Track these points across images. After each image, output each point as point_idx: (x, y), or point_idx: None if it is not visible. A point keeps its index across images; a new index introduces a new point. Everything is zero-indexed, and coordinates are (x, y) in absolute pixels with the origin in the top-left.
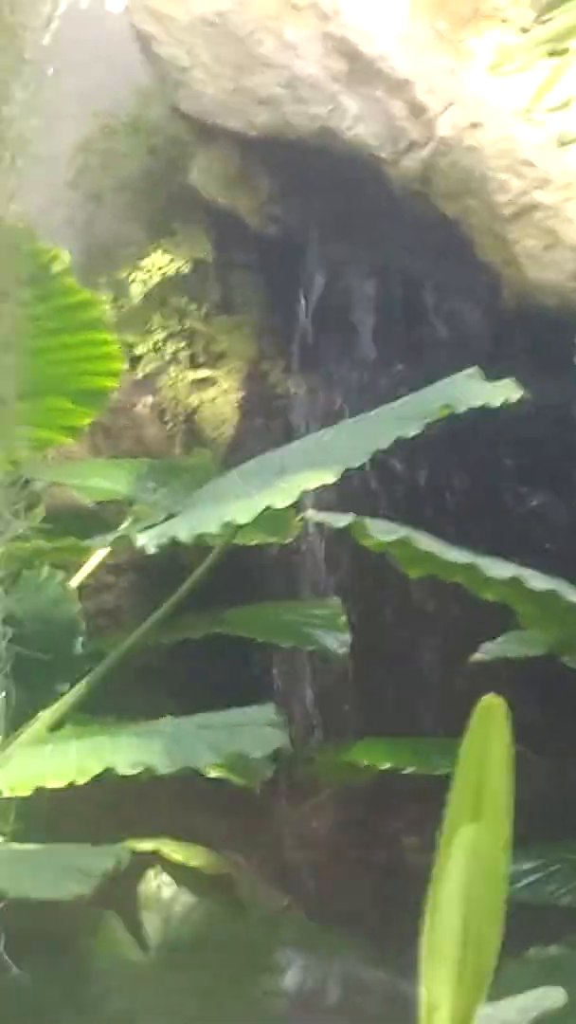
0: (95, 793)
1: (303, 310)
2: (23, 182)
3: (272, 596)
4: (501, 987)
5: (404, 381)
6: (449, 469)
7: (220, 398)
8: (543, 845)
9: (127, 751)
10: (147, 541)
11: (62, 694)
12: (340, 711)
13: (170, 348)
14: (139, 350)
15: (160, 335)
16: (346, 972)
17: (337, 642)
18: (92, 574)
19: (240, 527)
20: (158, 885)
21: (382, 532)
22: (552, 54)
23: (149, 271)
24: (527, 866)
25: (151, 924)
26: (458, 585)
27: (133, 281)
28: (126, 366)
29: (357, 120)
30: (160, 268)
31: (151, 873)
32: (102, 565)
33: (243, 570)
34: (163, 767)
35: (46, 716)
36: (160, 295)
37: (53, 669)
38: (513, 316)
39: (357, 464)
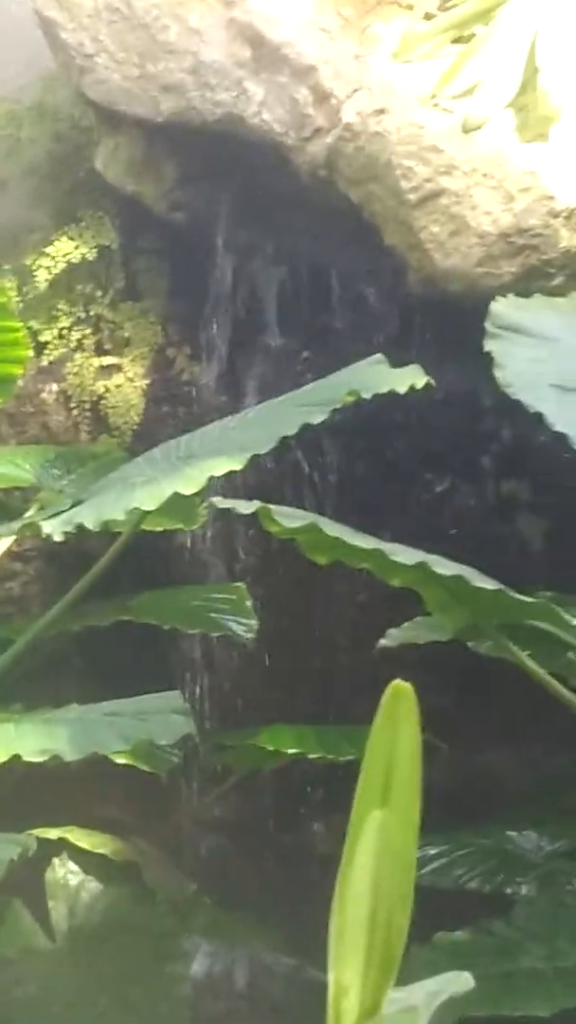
0: (1, 780)
1: (209, 297)
2: None
3: (179, 583)
4: (410, 971)
5: (310, 367)
6: (355, 456)
7: (126, 385)
8: (449, 831)
9: (34, 738)
10: (53, 528)
11: None
12: (247, 698)
13: (76, 335)
14: (44, 337)
15: (66, 322)
16: (254, 958)
17: (243, 627)
18: None
19: (147, 514)
20: (64, 873)
21: (288, 518)
22: (457, 41)
23: (54, 258)
24: (434, 851)
25: (58, 912)
26: (365, 571)
27: (38, 268)
28: (31, 353)
29: (262, 106)
30: (65, 255)
31: (57, 861)
32: (8, 553)
33: (150, 557)
34: (70, 754)
35: None
36: (66, 282)
37: None
38: (419, 302)
39: (264, 450)
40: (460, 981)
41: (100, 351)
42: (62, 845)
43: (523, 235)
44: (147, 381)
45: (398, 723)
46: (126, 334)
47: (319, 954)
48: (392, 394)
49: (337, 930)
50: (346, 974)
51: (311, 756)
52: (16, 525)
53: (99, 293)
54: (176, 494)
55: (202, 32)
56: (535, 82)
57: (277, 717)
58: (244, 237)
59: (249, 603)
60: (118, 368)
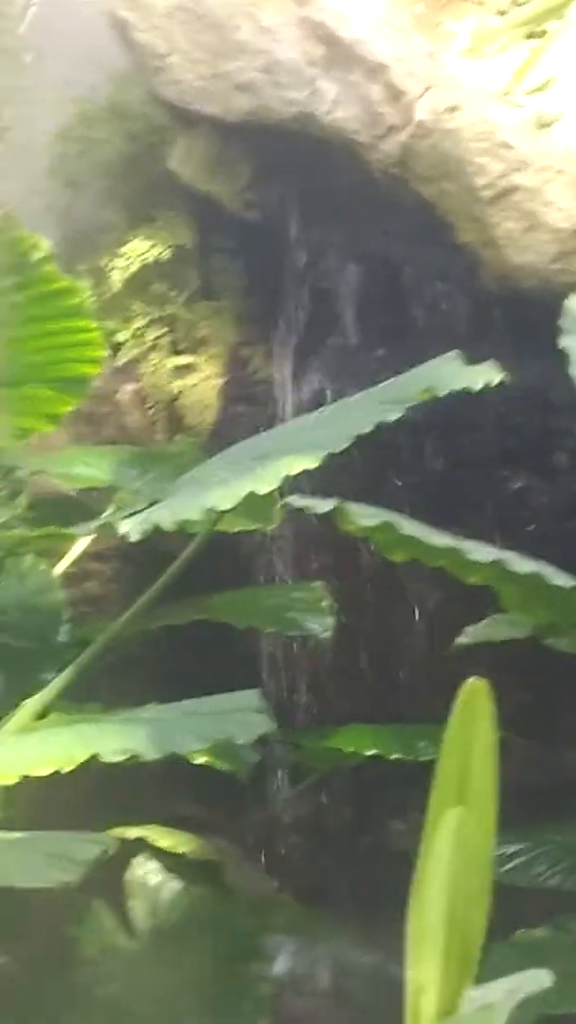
0: (80, 780)
1: (283, 295)
2: (1, 170)
3: (256, 582)
4: (488, 970)
5: (385, 365)
6: (430, 453)
7: (201, 384)
8: (528, 828)
9: (113, 738)
10: (130, 529)
11: (47, 682)
12: (325, 696)
13: (151, 335)
14: (120, 337)
15: (141, 322)
16: (335, 956)
17: (320, 626)
18: (75, 562)
19: (222, 513)
20: (145, 872)
21: (364, 517)
22: (530, 36)
23: (129, 258)
24: (512, 849)
25: (138, 911)
26: (441, 569)
27: (113, 268)
28: (107, 353)
29: (335, 104)
30: (140, 254)
31: (138, 860)
32: (85, 553)
33: (226, 556)
34: (149, 754)
35: (31, 705)
36: (141, 282)
37: (37, 658)
38: (493, 298)
39: (339, 449)
40: (538, 979)
41: (175, 351)
42: (141, 845)
43: None
44: (222, 380)
45: (474, 721)
46: (201, 333)
47: (400, 952)
48: (467, 391)
49: (415, 928)
50: (424, 972)
51: (390, 757)
52: (93, 525)
53: (174, 292)
54: (251, 493)
55: (274, 31)
56: None
57: (353, 716)
58: (317, 235)
59: (326, 602)
60: (193, 367)
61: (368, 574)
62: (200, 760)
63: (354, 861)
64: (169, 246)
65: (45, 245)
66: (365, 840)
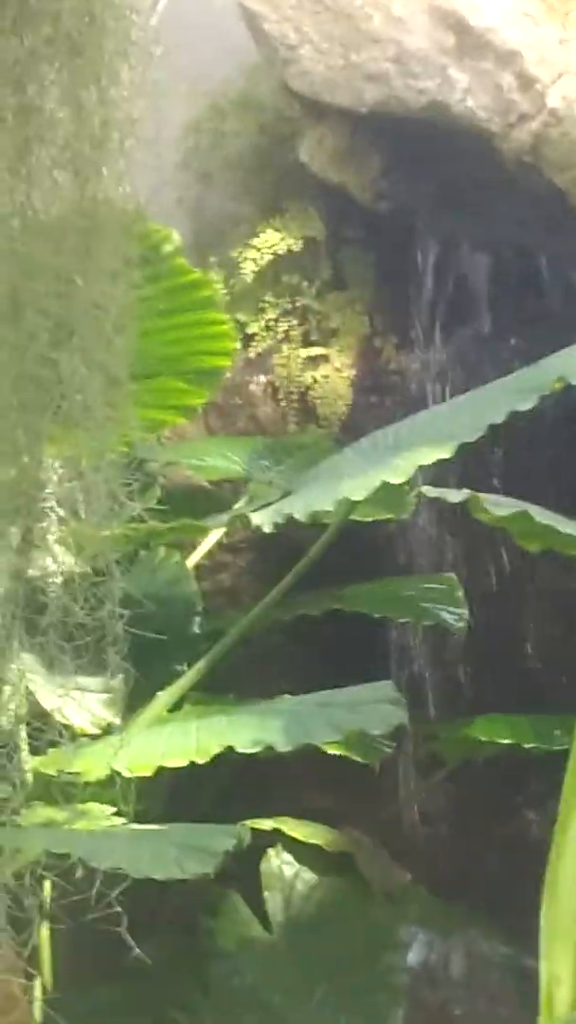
0: (215, 771)
1: (416, 286)
2: (132, 163)
3: (388, 572)
4: None
5: (519, 354)
6: (562, 444)
7: (333, 375)
8: None
9: (246, 730)
10: (263, 520)
11: (180, 674)
12: (458, 687)
13: (282, 326)
14: (251, 329)
15: (272, 313)
16: (469, 947)
17: (454, 616)
18: (208, 554)
19: (355, 504)
20: (279, 864)
21: (498, 507)
22: None
23: (260, 249)
24: None
25: (273, 903)
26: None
27: (244, 260)
28: (239, 345)
29: (467, 93)
30: (271, 246)
31: (272, 852)
32: (218, 545)
33: (359, 547)
34: (282, 745)
35: (165, 696)
36: (272, 273)
37: (171, 649)
38: None
39: (472, 439)
40: None
41: (307, 342)
42: (276, 836)
43: None
44: (354, 371)
45: None
46: (333, 324)
47: (535, 943)
48: None
49: (548, 920)
50: (558, 964)
51: (525, 746)
52: (226, 517)
53: (305, 284)
54: (384, 483)
55: (405, 20)
56: None
57: (489, 706)
58: (449, 225)
59: (460, 593)
60: (325, 359)
61: (502, 564)
62: (334, 751)
63: (488, 852)
64: (300, 238)
65: (176, 238)
66: (500, 830)
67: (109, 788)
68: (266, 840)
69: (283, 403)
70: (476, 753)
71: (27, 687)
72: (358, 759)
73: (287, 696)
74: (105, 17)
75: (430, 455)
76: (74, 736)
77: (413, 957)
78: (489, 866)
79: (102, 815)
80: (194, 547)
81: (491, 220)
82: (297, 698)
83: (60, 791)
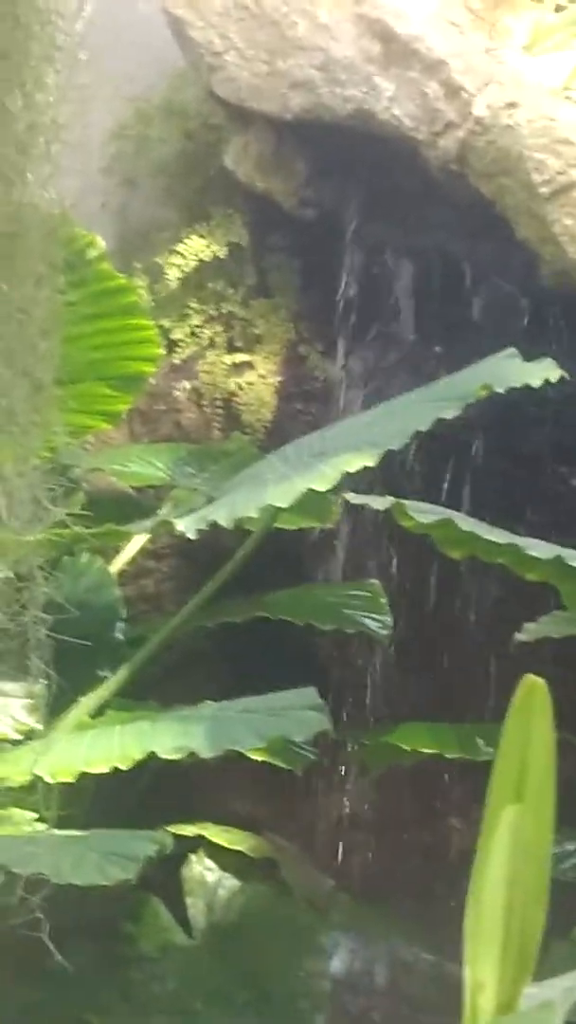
0: (138, 777)
1: (341, 293)
2: (57, 169)
3: (312, 580)
4: (546, 967)
5: (443, 362)
6: (489, 450)
7: (258, 382)
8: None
9: (169, 736)
10: (187, 526)
11: (103, 680)
12: (383, 694)
13: (207, 332)
14: (176, 335)
15: (197, 320)
16: (393, 954)
17: (378, 624)
18: (132, 560)
19: (280, 511)
20: (201, 870)
21: (422, 513)
22: None
23: (185, 256)
24: (572, 847)
25: (195, 908)
26: (500, 566)
27: (169, 266)
28: (163, 351)
29: (392, 101)
30: (196, 253)
31: (194, 857)
32: (142, 551)
33: (283, 554)
34: (205, 751)
35: (88, 702)
36: (196, 279)
37: (94, 655)
38: (552, 295)
39: (398, 446)
40: None
41: (232, 348)
42: (199, 842)
43: None
44: (279, 378)
45: (531, 719)
46: (258, 331)
47: (458, 949)
48: (526, 388)
49: (472, 926)
50: (482, 970)
51: (448, 755)
52: (150, 523)
53: (230, 290)
54: (309, 491)
55: (331, 28)
56: None
57: (412, 714)
58: (375, 232)
59: (384, 600)
60: (250, 365)
61: (426, 572)
62: (257, 758)
63: (411, 858)
64: (225, 244)
65: (100, 243)
66: (423, 837)
67: (31, 794)
68: (189, 846)
69: (207, 409)
70: (400, 760)
71: None
72: (281, 766)
73: (210, 702)
74: (31, 22)
75: (355, 462)
76: None
77: (336, 964)
78: (412, 873)
79: (24, 821)
80: (117, 553)
81: (417, 228)
82: (220, 704)
83: None
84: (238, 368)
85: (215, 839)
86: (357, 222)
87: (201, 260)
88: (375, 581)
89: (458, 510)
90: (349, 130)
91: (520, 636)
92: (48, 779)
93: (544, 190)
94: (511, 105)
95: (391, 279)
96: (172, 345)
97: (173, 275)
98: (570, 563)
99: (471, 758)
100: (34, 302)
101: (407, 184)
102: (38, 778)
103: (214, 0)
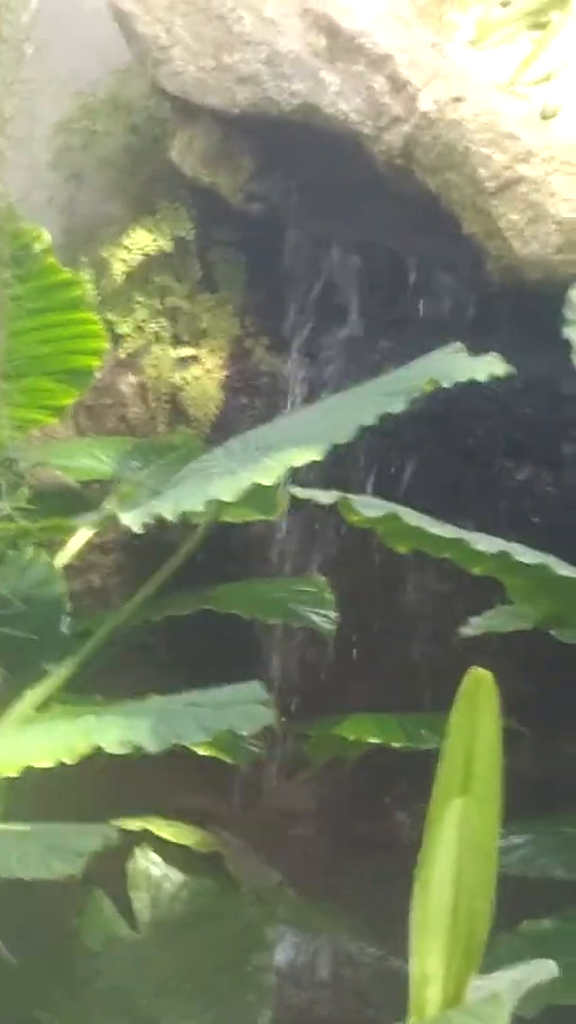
0: (83, 771)
1: (287, 287)
2: (3, 163)
3: (258, 574)
4: (493, 960)
5: (389, 356)
6: (435, 444)
7: (203, 376)
8: (534, 819)
9: (115, 729)
10: (132, 520)
11: (49, 674)
12: (328, 687)
13: (153, 327)
14: (122, 329)
15: (143, 314)
16: (337, 947)
17: (323, 618)
18: (78, 554)
19: (225, 504)
20: (147, 864)
21: (368, 508)
22: (533, 27)
23: (131, 250)
24: (518, 840)
25: (140, 902)
26: (446, 560)
27: (115, 260)
28: (109, 345)
29: (338, 96)
30: (142, 247)
31: (139, 852)
32: (88, 545)
33: (229, 548)
34: (151, 745)
35: (32, 696)
36: (142, 274)
37: (39, 649)
38: (498, 290)
39: (344, 440)
40: (545, 969)
41: (178, 343)
42: (144, 835)
43: None
44: (225, 372)
45: (477, 710)
46: (203, 325)
47: (404, 943)
48: (472, 383)
49: (419, 919)
50: (428, 963)
51: (394, 745)
52: (95, 517)
53: (176, 285)
54: (255, 485)
55: (277, 22)
56: None
57: (358, 706)
58: (321, 227)
59: (329, 595)
60: (196, 359)
61: (373, 566)
62: (203, 752)
63: (357, 852)
64: (171, 238)
65: (46, 237)
66: (369, 831)
67: None
68: (134, 840)
69: (153, 404)
70: (345, 752)
71: None
72: (227, 759)
73: (156, 696)
74: None
75: (301, 456)
76: None
77: (281, 957)
78: (357, 867)
79: None
80: (63, 547)
81: (363, 222)
82: (166, 698)
83: None
84: (184, 362)
85: (161, 833)
86: (303, 216)
87: (147, 254)
88: (321, 576)
89: (404, 503)
90: (295, 125)
91: (465, 630)
92: None
93: (490, 185)
94: (457, 100)
95: (336, 274)
96: (118, 339)
97: (119, 269)
98: (515, 558)
99: (416, 746)
100: None
101: (353, 179)
102: None
103: None
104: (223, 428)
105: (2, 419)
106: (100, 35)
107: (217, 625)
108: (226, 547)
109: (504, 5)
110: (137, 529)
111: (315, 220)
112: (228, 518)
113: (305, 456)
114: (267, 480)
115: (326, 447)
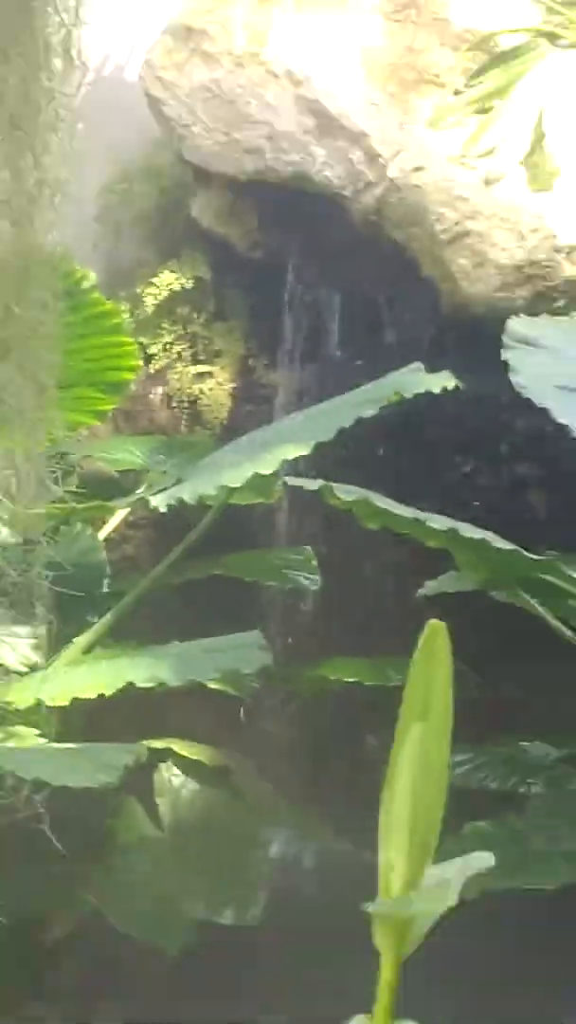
0: (119, 703)
1: (282, 318)
2: (59, 217)
3: (258, 545)
4: (443, 854)
5: (363, 373)
6: (399, 443)
7: (216, 388)
8: (475, 742)
9: (144, 668)
10: (159, 502)
11: (92, 625)
12: (314, 636)
13: (176, 349)
14: (152, 350)
15: (168, 338)
16: (319, 844)
17: (309, 581)
18: (115, 529)
19: (233, 490)
20: (169, 776)
21: (345, 493)
22: (480, 111)
23: (159, 287)
24: (461, 758)
25: (164, 807)
26: (407, 535)
27: (147, 295)
28: (141, 363)
29: (325, 165)
30: (168, 285)
31: (163, 766)
32: (124, 522)
33: (236, 524)
34: (173, 681)
35: (79, 642)
36: (168, 306)
37: (84, 605)
38: (450, 322)
39: (326, 439)
40: (483, 860)
41: (196, 361)
42: (167, 753)
43: (533, 267)
44: (233, 385)
45: (434, 655)
46: (216, 348)
47: (374, 839)
48: (428, 394)
49: (385, 821)
50: (393, 855)
51: (366, 683)
52: (130, 500)
53: (195, 315)
54: (256, 474)
55: (276, 107)
56: (541, 145)
57: (338, 651)
58: (310, 270)
59: (314, 562)
60: (210, 375)
61: (349, 540)
62: (213, 686)
63: (337, 769)
64: (191, 278)
65: (92, 276)
66: (346, 752)
67: (35, 715)
68: (160, 756)
69: (176, 410)
70: (326, 688)
71: None
72: (233, 693)
73: (176, 642)
74: (39, 98)
75: (293, 452)
76: (7, 673)
77: (274, 852)
78: (337, 780)
79: (29, 736)
80: (104, 523)
81: (343, 267)
82: (184, 644)
83: None
84: (200, 377)
85: (181, 751)
86: (296, 262)
87: (172, 291)
88: (308, 547)
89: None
90: (290, 188)
91: (423, 590)
92: (48, 703)
93: (444, 237)
94: (418, 169)
95: (322, 308)
96: (149, 358)
97: (150, 302)
98: (462, 534)
99: (384, 684)
100: (40, 323)
101: (336, 231)
102: (40, 702)
103: (183, 83)
104: (232, 429)
105: (57, 421)
106: (137, 114)
107: (225, 586)
108: (233, 523)
109: (456, 94)
110: (163, 509)
111: (306, 265)
112: (235, 500)
113: (296, 451)
114: (266, 470)
115: (313, 444)
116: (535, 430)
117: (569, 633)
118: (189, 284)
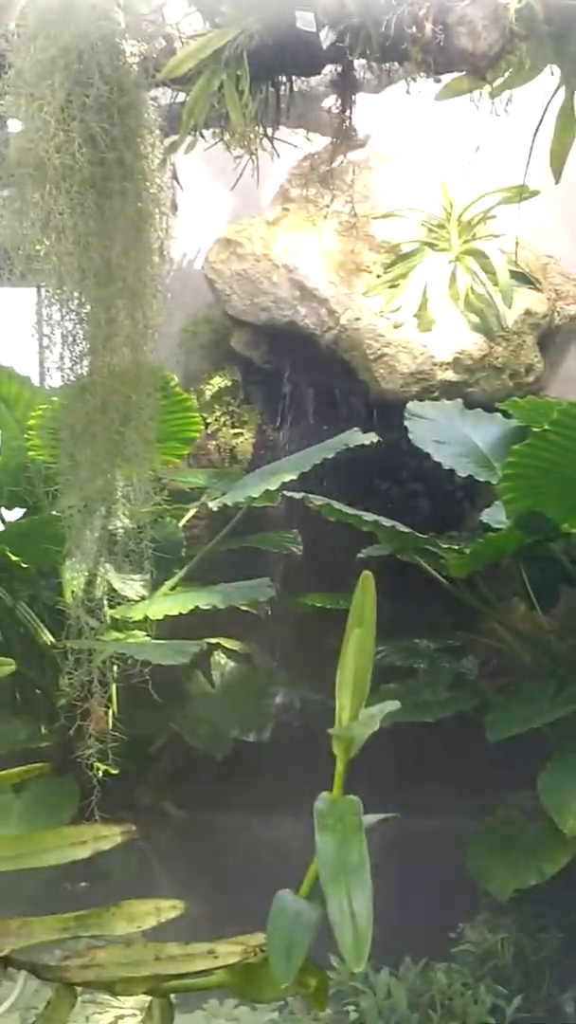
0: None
1: (281, 403)
2: (157, 345)
3: (267, 529)
4: (370, 701)
5: (327, 434)
6: (346, 474)
7: (245, 442)
8: (387, 639)
9: (204, 598)
10: (214, 505)
11: (175, 574)
12: (300, 578)
13: (222, 419)
14: (208, 420)
15: (217, 413)
16: (303, 696)
17: (297, 548)
18: (188, 520)
19: (255, 498)
20: (218, 658)
21: (318, 501)
22: (391, 287)
23: (212, 385)
24: (381, 648)
25: (216, 674)
26: (352, 524)
27: (205, 389)
28: (203, 427)
29: (305, 317)
30: (217, 384)
31: (215, 652)
32: (194, 516)
33: (256, 518)
34: (220, 604)
35: (167, 583)
36: (217, 396)
37: (170, 563)
38: (374, 403)
39: (306, 470)
40: (393, 706)
41: (233, 427)
42: (217, 645)
43: (420, 374)
44: (253, 440)
45: (366, 591)
46: (244, 419)
47: (333, 692)
48: (362, 445)
49: (339, 682)
50: (344, 699)
51: (328, 606)
52: (196, 504)
53: (232, 401)
54: (267, 489)
55: (278, 284)
56: (426, 306)
57: (315, 589)
58: (297, 376)
59: (299, 538)
60: (241, 434)
61: (319, 527)
62: (244, 608)
63: (317, 652)
64: (230, 381)
65: (174, 378)
66: (322, 643)
67: (143, 624)
68: (213, 648)
69: (222, 454)
70: (306, 609)
71: (107, 578)
72: (253, 611)
73: (222, 583)
74: (146, 279)
75: (287, 477)
76: (127, 600)
77: (277, 700)
78: (313, 657)
79: (140, 636)
80: (182, 517)
81: (316, 373)
82: (226, 584)
83: (121, 626)
84: (236, 435)
85: (225, 644)
86: (288, 371)
87: (220, 387)
88: (295, 530)
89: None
90: (285, 330)
91: (361, 554)
92: (152, 617)
93: (371, 357)
94: (357, 319)
95: (303, 396)
96: (207, 425)
97: (207, 394)
98: (381, 523)
99: (341, 607)
100: (147, 405)
101: (311, 354)
102: (147, 617)
103: (226, 270)
104: (253, 465)
105: (156, 461)
106: (201, 288)
107: (249, 553)
108: (254, 517)
109: (378, 277)
110: (215, 508)
111: (294, 372)
112: (256, 504)
113: (287, 477)
114: (272, 487)
115: (298, 473)
116: (422, 465)
117: (443, 580)
118: (229, 383)
